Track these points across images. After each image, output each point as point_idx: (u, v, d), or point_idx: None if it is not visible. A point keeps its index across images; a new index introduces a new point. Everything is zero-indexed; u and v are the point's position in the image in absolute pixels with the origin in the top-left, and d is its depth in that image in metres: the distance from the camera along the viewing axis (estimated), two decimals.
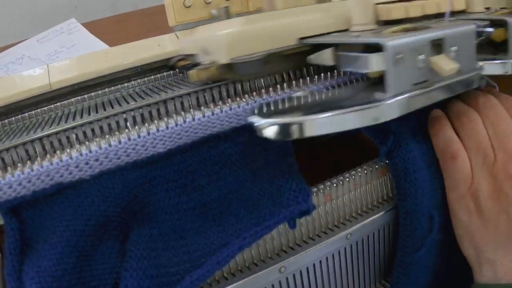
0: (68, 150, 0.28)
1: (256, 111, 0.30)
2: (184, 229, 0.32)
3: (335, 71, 0.34)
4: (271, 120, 0.27)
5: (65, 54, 0.74)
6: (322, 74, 0.34)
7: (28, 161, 0.28)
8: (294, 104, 0.30)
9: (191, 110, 0.32)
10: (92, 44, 0.75)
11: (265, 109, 0.30)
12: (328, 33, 0.32)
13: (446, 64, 0.27)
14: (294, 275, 0.36)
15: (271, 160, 0.34)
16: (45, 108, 0.39)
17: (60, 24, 0.80)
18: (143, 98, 0.34)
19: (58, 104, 0.39)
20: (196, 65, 0.34)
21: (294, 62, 0.34)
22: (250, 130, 0.29)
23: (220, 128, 0.31)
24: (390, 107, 0.26)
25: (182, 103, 0.33)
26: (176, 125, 0.30)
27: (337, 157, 0.49)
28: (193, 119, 0.30)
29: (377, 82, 0.31)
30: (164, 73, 0.42)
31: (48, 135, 0.30)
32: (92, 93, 0.40)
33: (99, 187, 0.29)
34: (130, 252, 0.30)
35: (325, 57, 0.31)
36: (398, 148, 0.38)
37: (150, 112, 0.33)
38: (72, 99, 0.40)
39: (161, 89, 0.38)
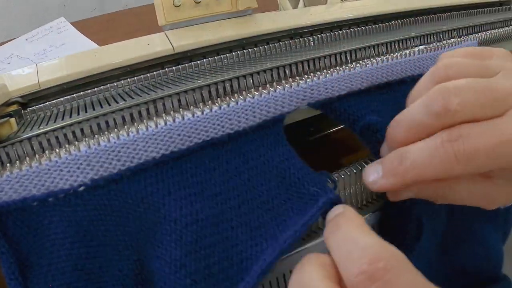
0: (57, 150, 0.28)
1: None
2: (208, 244, 0.30)
3: None
4: None
5: (54, 53, 0.74)
6: None
7: (17, 161, 0.28)
8: None
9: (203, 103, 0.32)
10: (81, 43, 0.74)
11: None
12: None
13: None
14: (290, 272, 0.36)
15: (279, 162, 0.34)
16: (34, 107, 0.39)
17: (49, 23, 0.80)
18: (132, 98, 0.34)
19: (47, 103, 0.39)
20: None
21: None
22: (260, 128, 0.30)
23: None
24: None
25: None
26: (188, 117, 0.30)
27: (327, 155, 0.49)
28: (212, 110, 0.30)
29: None
30: (154, 72, 0.42)
31: (37, 135, 0.30)
32: (81, 92, 0.40)
33: (97, 197, 0.28)
34: (155, 273, 0.29)
35: None
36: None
37: (147, 110, 0.33)
38: (61, 99, 0.39)
39: (155, 87, 0.37)
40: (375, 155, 0.37)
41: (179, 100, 0.33)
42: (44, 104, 0.39)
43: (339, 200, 0.33)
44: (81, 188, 0.28)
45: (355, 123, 0.37)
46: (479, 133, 0.28)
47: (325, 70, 0.36)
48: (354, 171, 0.40)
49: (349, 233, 0.27)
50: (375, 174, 0.33)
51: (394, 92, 0.39)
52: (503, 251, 0.49)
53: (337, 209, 0.30)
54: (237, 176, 0.32)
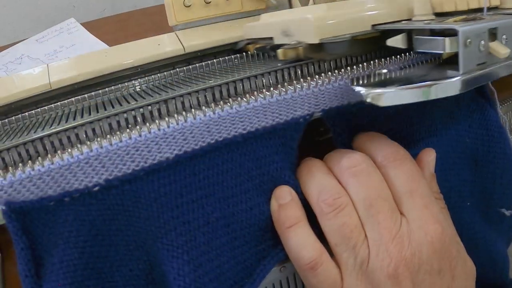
0: (70, 150, 0.28)
1: (355, 83, 0.34)
2: (219, 245, 0.31)
3: (402, 54, 0.38)
4: (380, 90, 0.32)
5: (64, 53, 0.74)
6: (393, 57, 0.38)
7: (29, 161, 0.28)
8: (382, 78, 0.35)
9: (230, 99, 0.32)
10: (91, 44, 0.75)
11: (361, 82, 0.34)
12: (393, 22, 0.37)
13: (501, 49, 0.32)
14: (294, 275, 0.36)
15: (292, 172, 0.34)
16: (45, 107, 0.39)
17: (59, 24, 0.80)
18: (143, 98, 0.34)
19: (58, 103, 0.39)
20: (274, 46, 0.39)
21: (364, 46, 0.38)
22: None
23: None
24: (464, 82, 0.31)
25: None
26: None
27: None
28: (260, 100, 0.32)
29: (442, 63, 0.38)
30: (165, 73, 0.42)
31: (49, 135, 0.30)
32: (92, 93, 0.40)
33: (110, 197, 0.28)
34: (168, 274, 0.29)
35: (400, 41, 0.36)
36: None
37: (159, 110, 0.33)
38: (72, 99, 0.40)
39: (171, 85, 0.37)
40: None
41: (190, 101, 0.33)
42: (55, 104, 0.39)
43: None
44: (96, 188, 0.28)
45: None
46: None
47: (335, 72, 0.35)
48: None
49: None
50: None
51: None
52: (508, 256, 0.49)
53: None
54: (249, 181, 0.32)
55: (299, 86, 0.33)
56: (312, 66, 0.38)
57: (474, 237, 0.45)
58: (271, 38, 0.40)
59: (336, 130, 0.36)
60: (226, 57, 0.44)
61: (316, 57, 0.37)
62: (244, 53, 0.45)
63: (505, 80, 0.39)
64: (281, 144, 0.33)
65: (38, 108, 0.39)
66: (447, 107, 0.42)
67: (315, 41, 0.34)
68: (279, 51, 0.36)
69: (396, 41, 0.36)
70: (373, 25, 0.36)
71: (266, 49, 0.43)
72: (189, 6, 0.47)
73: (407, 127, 0.40)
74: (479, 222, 0.46)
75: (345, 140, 0.37)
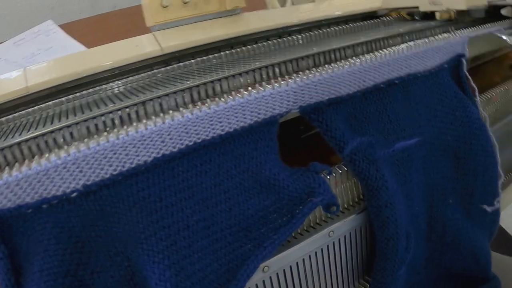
0: (47, 155, 0.27)
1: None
2: (200, 248, 0.31)
3: None
4: None
5: (42, 56, 0.73)
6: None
7: (7, 167, 0.27)
8: None
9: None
10: (69, 46, 0.74)
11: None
12: None
13: None
14: (277, 274, 0.36)
15: (271, 166, 0.34)
16: (23, 112, 0.38)
17: (37, 26, 0.79)
18: (121, 100, 0.34)
19: (37, 107, 0.39)
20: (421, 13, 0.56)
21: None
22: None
23: None
24: None
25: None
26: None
27: (317, 153, 0.49)
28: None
29: None
30: (143, 74, 0.42)
31: (26, 140, 0.29)
32: (71, 96, 0.39)
33: (89, 203, 0.28)
34: (149, 279, 0.29)
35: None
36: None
37: (137, 112, 0.32)
38: (50, 102, 0.39)
39: (150, 86, 0.37)
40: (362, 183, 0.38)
41: (168, 102, 0.33)
42: (34, 108, 0.39)
43: (332, 198, 0.34)
44: (74, 194, 0.27)
45: (342, 150, 0.37)
46: None
47: (313, 69, 0.36)
48: (345, 168, 0.40)
49: None
50: None
51: (382, 99, 0.40)
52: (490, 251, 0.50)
53: None
54: (228, 180, 0.32)
55: (277, 84, 0.33)
56: (290, 64, 0.38)
57: (457, 233, 0.46)
58: (416, 7, 0.56)
59: (322, 125, 0.36)
60: (204, 57, 0.44)
61: (461, 19, 0.53)
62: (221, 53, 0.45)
63: (484, 75, 0.40)
64: (259, 140, 0.33)
65: (16, 112, 0.39)
66: (431, 104, 0.43)
67: (464, 7, 0.50)
68: (437, 13, 0.53)
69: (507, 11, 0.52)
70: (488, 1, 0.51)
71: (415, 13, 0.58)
72: (167, 6, 0.47)
73: (392, 123, 0.40)
74: (462, 218, 0.46)
75: (335, 134, 0.37)
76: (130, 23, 0.80)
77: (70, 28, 0.79)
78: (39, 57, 0.72)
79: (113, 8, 0.97)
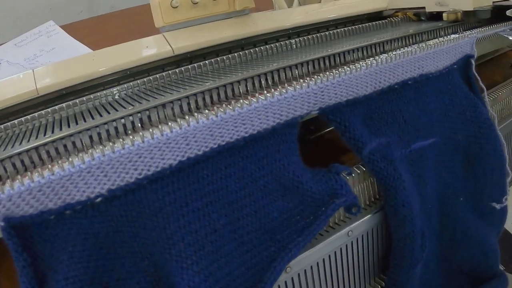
0: (70, 159, 0.27)
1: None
2: (227, 252, 0.30)
3: None
4: None
5: (44, 57, 0.72)
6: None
7: (27, 172, 0.27)
8: None
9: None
10: (72, 47, 0.73)
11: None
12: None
13: None
14: (299, 275, 0.36)
15: (295, 169, 0.34)
16: (33, 114, 0.37)
17: (37, 27, 0.78)
18: (140, 102, 0.34)
19: (48, 110, 0.38)
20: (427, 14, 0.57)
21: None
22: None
23: None
24: None
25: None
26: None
27: (328, 153, 0.49)
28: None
29: None
30: (156, 75, 0.42)
31: (44, 144, 0.29)
32: (84, 98, 0.39)
33: (114, 208, 0.28)
34: (177, 285, 0.28)
35: None
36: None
37: (158, 114, 0.32)
38: (61, 105, 0.38)
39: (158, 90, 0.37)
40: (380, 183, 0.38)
41: (188, 104, 0.32)
42: (44, 110, 0.38)
43: (355, 199, 0.34)
44: (98, 199, 0.27)
45: (361, 150, 0.37)
46: None
47: (332, 71, 0.35)
48: (364, 169, 0.40)
49: None
50: None
51: (396, 100, 0.40)
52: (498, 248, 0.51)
53: None
54: (252, 183, 0.32)
55: (299, 86, 0.33)
56: (307, 66, 0.37)
57: (467, 231, 0.46)
58: (423, 8, 0.56)
59: (341, 126, 0.36)
60: (218, 58, 0.43)
61: (467, 20, 0.53)
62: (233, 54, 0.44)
63: (485, 74, 0.40)
64: (281, 142, 0.33)
65: (25, 115, 0.38)
66: (442, 104, 0.43)
67: (470, 8, 0.50)
68: (445, 14, 0.52)
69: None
70: (494, 2, 0.52)
71: (421, 14, 0.58)
72: (177, 7, 0.46)
73: (406, 123, 0.40)
74: (472, 216, 0.47)
75: (353, 134, 0.37)
76: (132, 24, 0.79)
77: (71, 29, 0.78)
78: (42, 58, 0.71)
79: (111, 9, 0.96)
